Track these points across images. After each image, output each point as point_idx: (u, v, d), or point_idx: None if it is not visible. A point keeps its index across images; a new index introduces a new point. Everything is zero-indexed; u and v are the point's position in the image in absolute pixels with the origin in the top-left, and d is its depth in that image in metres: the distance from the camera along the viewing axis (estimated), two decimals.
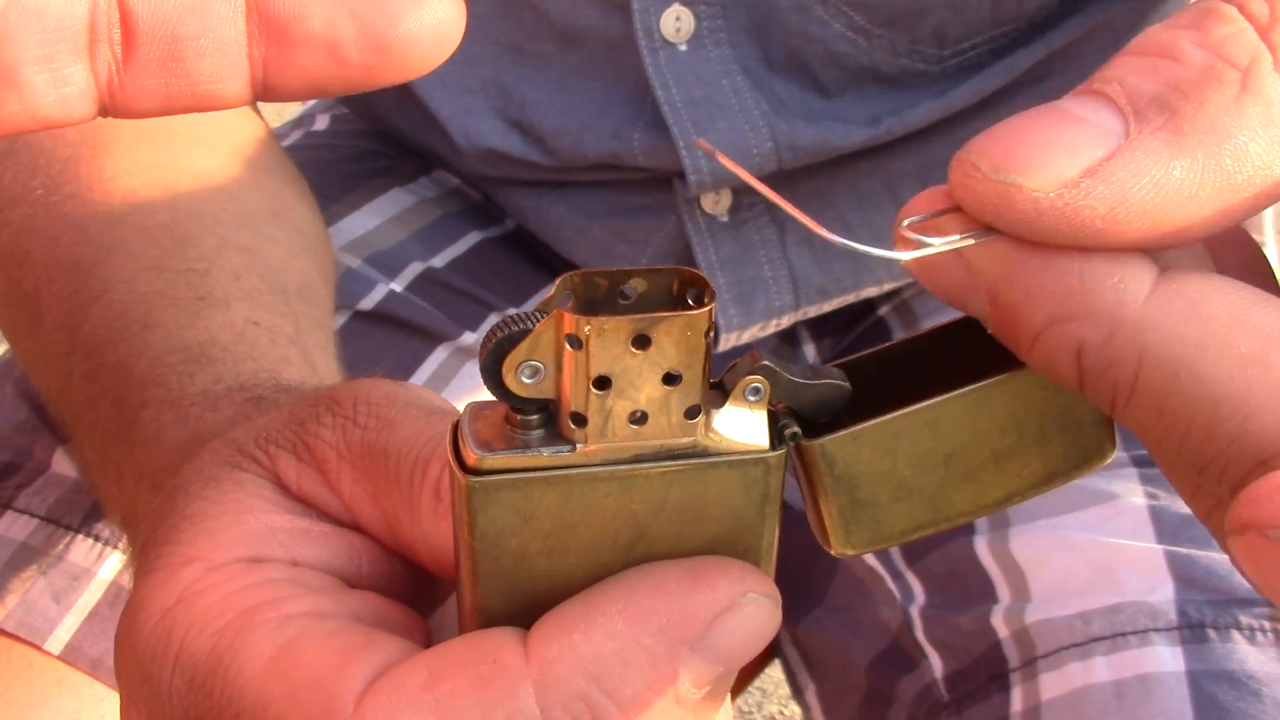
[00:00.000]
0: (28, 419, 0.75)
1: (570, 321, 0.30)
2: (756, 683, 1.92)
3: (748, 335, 0.87)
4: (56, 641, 0.67)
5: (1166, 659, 0.65)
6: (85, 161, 0.63)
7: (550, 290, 0.31)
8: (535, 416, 0.32)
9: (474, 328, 0.85)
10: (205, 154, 0.67)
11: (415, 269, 0.86)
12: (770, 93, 0.80)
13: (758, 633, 0.33)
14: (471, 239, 0.90)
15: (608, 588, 0.33)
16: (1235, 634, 0.66)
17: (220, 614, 0.35)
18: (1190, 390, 0.27)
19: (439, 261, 0.87)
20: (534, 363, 0.31)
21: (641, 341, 0.30)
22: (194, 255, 0.58)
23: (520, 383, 0.31)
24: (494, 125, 0.83)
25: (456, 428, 0.33)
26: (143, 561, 0.38)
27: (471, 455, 0.32)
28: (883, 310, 0.93)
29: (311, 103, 1.05)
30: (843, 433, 0.33)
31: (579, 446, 0.32)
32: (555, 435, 0.32)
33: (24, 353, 0.63)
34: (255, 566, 0.37)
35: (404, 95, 0.86)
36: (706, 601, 0.33)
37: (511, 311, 0.30)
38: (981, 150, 0.27)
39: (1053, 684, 0.67)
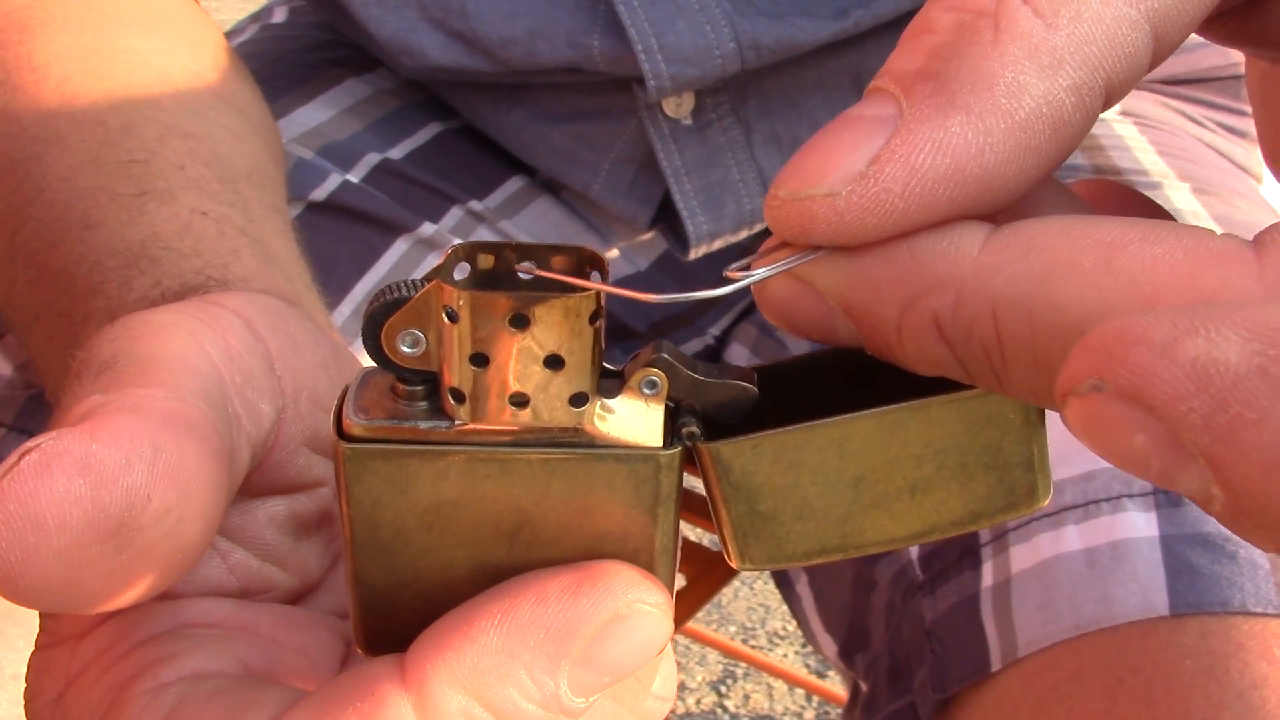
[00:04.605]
0: None
1: (447, 293, 0.30)
2: (759, 599, 1.92)
3: (719, 241, 0.84)
4: None
5: (1140, 524, 0.63)
6: (13, 47, 0.60)
7: (440, 258, 0.31)
8: (420, 388, 0.32)
9: (435, 219, 0.82)
10: (140, 35, 0.64)
11: (371, 160, 0.83)
12: None
13: (645, 643, 0.33)
14: (431, 130, 0.88)
15: (487, 599, 0.32)
16: None
17: (104, 694, 0.35)
18: (1051, 322, 0.26)
19: (396, 154, 0.85)
20: (414, 332, 0.31)
21: (520, 321, 0.30)
22: (135, 145, 0.56)
23: (401, 351, 0.31)
24: (435, 39, 0.81)
25: (345, 391, 0.32)
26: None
27: (348, 420, 0.32)
28: None
29: None
30: (740, 439, 0.32)
31: (457, 423, 0.31)
32: (438, 409, 0.32)
33: None
34: (128, 619, 0.36)
35: (343, 14, 0.84)
36: (588, 613, 0.32)
37: (404, 279, 0.30)
38: (780, 179, 0.28)
39: (1023, 556, 0.65)
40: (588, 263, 0.31)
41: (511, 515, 0.33)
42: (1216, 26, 0.32)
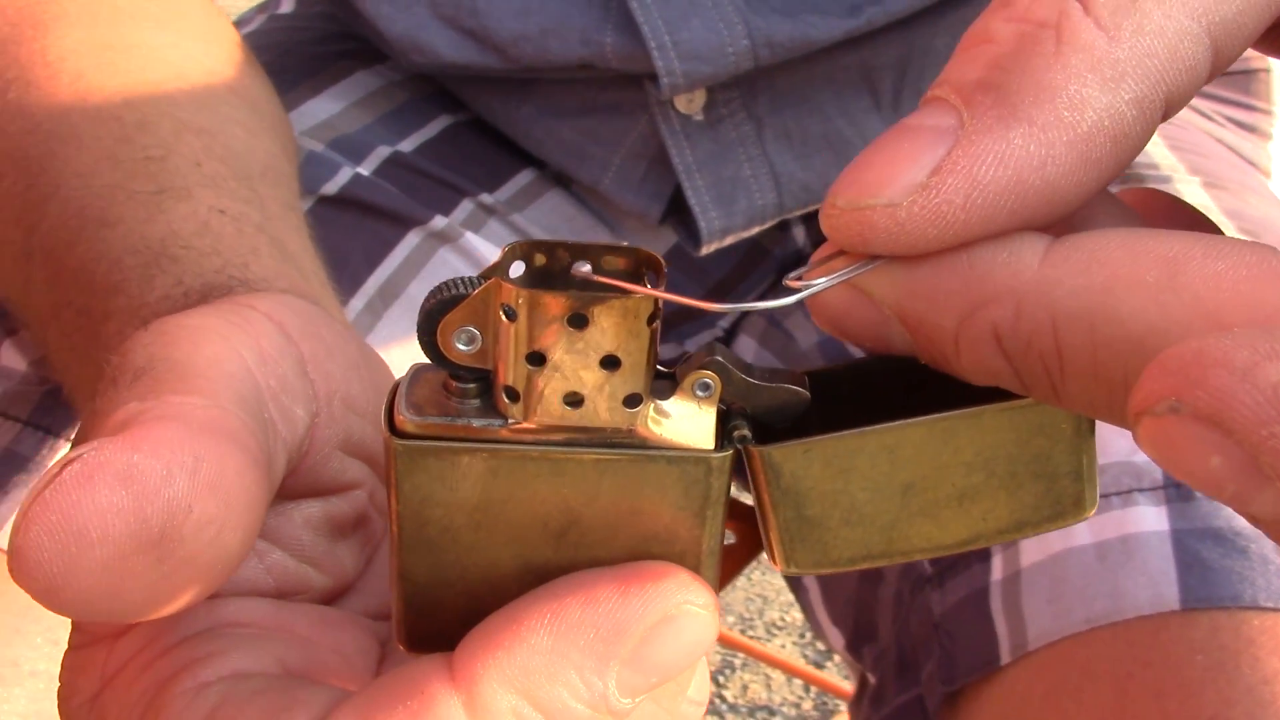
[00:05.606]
0: None
1: (506, 291, 0.30)
2: (757, 590, 1.92)
3: (731, 238, 0.84)
4: (1, 535, 0.65)
5: (1150, 519, 0.63)
6: (26, 43, 0.60)
7: (497, 256, 0.31)
8: (473, 385, 0.32)
9: (446, 212, 0.82)
10: (154, 30, 0.64)
11: (382, 153, 0.83)
12: None
13: (693, 644, 0.33)
14: (442, 122, 0.87)
15: (536, 598, 0.32)
16: None
17: (143, 693, 0.35)
18: (1112, 336, 0.26)
19: (407, 146, 0.84)
20: (470, 329, 0.31)
21: (578, 321, 0.30)
22: (150, 141, 0.56)
23: (456, 349, 0.31)
24: (446, 36, 0.80)
25: (396, 387, 0.32)
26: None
27: (400, 417, 0.31)
28: None
29: None
30: (793, 443, 0.32)
31: (510, 422, 0.31)
32: (490, 407, 0.32)
33: None
34: (165, 618, 0.35)
35: (352, 11, 0.83)
36: (637, 614, 0.32)
37: (458, 276, 0.30)
38: (838, 188, 0.28)
39: (1033, 549, 0.66)
40: (644, 264, 0.31)
41: (560, 515, 0.32)
42: (1272, 39, 0.31)
